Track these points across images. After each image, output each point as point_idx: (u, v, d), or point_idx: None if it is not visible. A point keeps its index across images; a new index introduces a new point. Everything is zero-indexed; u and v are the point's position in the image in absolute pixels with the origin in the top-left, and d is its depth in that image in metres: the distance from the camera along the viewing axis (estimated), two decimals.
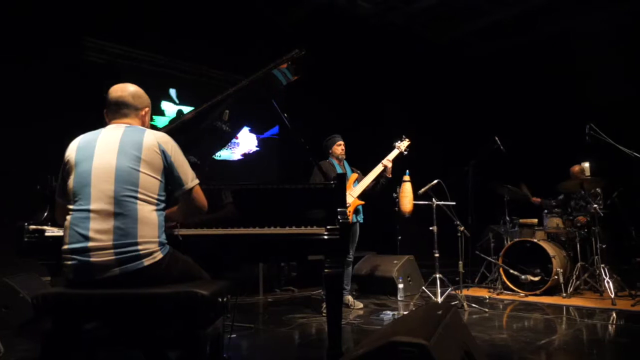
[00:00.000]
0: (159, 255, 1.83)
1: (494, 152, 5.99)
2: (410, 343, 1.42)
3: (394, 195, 4.58)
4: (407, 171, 4.62)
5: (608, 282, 4.81)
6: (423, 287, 5.05)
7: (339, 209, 2.42)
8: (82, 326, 1.73)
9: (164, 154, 1.94)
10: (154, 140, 1.96)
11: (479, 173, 6.65)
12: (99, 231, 1.77)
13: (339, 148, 4.81)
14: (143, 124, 2.12)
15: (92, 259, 1.74)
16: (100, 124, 2.11)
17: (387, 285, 5.44)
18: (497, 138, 5.99)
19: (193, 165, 3.23)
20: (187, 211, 2.09)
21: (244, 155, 7.74)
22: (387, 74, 8.10)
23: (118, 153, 1.89)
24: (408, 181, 4.54)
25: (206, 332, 1.78)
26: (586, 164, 7.74)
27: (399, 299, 5.25)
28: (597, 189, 5.69)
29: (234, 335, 3.67)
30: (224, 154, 7.45)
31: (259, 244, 2.40)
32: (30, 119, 4.99)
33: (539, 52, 7.99)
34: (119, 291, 1.71)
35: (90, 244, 1.76)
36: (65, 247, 1.81)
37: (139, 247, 1.78)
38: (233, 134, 3.57)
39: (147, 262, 1.79)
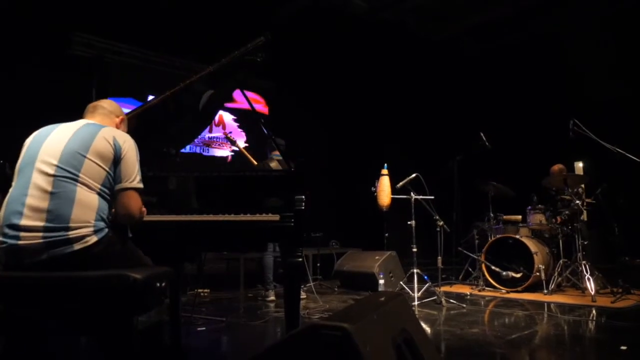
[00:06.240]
0: (92, 239, 1.78)
1: (480, 149, 5.93)
2: (332, 326, 1.37)
3: (372, 189, 4.53)
4: (386, 165, 4.58)
5: (589, 279, 4.75)
6: (401, 283, 4.99)
7: (295, 197, 2.38)
8: (12, 310, 1.69)
9: (115, 146, 1.92)
10: (111, 133, 1.96)
11: (464, 169, 6.59)
12: (33, 209, 1.75)
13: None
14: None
15: (20, 242, 1.71)
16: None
17: (368, 281, 5.38)
18: (482, 134, 5.94)
19: (170, 156, 3.23)
20: (116, 211, 1.94)
21: (234, 152, 7.68)
22: (374, 70, 8.06)
23: (71, 137, 1.91)
24: (386, 175, 4.50)
25: (140, 318, 1.73)
26: (580, 164, 7.68)
27: None
28: (581, 187, 5.62)
29: (204, 328, 3.65)
30: (212, 151, 7.40)
31: (212, 231, 2.37)
32: (15, 111, 4.94)
33: (527, 51, 7.94)
34: (47, 274, 1.67)
35: (23, 222, 1.73)
36: None
37: (69, 232, 1.74)
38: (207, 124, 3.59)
39: (77, 246, 1.74)
